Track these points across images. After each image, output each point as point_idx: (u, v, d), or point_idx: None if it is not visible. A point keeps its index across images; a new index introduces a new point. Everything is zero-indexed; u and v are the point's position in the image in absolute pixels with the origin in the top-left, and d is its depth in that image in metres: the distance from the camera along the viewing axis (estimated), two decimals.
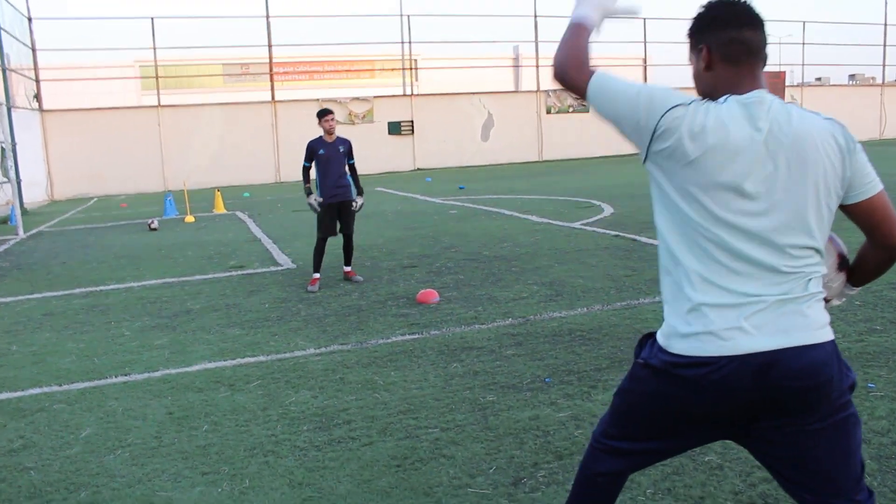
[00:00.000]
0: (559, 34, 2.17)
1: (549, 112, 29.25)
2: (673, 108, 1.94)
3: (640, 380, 2.18)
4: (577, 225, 11.36)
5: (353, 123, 26.15)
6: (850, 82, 55.12)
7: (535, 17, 29.42)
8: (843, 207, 2.04)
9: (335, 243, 7.98)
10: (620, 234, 10.25)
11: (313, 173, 7.80)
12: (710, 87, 2.04)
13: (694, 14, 2.08)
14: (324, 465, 3.59)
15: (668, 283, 2.09)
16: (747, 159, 1.91)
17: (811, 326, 1.96)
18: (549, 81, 29.32)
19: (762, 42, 2.02)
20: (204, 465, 3.64)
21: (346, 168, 7.78)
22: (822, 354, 1.96)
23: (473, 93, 28.62)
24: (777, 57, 43.98)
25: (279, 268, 8.99)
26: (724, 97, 1.98)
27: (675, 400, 2.08)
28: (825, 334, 1.98)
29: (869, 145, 32.86)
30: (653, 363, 2.10)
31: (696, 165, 1.93)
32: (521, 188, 18.27)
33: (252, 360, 5.33)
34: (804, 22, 35.78)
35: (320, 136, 7.73)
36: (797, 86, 36.13)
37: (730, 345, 1.94)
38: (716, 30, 2.02)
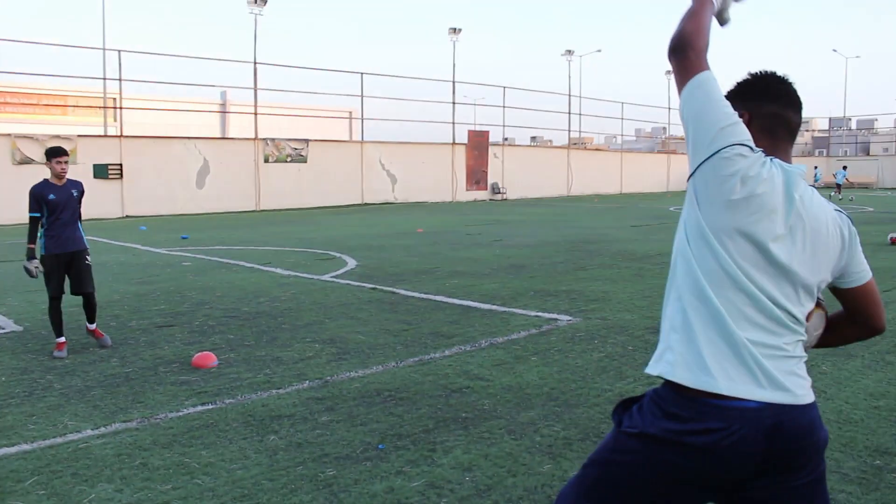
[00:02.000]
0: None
1: (266, 161, 28.68)
2: (745, 144, 1.94)
3: (629, 451, 2.08)
4: (327, 278, 11.13)
5: None
6: (533, 143, 61.57)
7: (255, 63, 28.89)
8: (835, 291, 2.17)
9: (72, 301, 6.94)
10: (377, 286, 10.22)
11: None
12: None
13: (742, 79, 2.14)
14: None
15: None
16: (780, 223, 1.94)
17: (806, 386, 2.02)
18: (266, 129, 28.88)
19: (799, 124, 2.12)
20: None
21: (79, 216, 6.87)
22: (817, 412, 2.03)
23: (189, 137, 27.17)
24: (482, 118, 47.87)
25: (1, 331, 7.60)
26: (769, 158, 2.00)
27: (678, 469, 2.01)
28: (812, 394, 2.05)
29: (559, 201, 36.81)
30: (651, 432, 2.02)
31: (735, 208, 1.92)
32: (250, 239, 17.58)
33: (13, 450, 4.36)
34: (504, 87, 39.42)
35: (46, 180, 6.75)
36: (499, 144, 39.46)
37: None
38: (762, 101, 2.09)
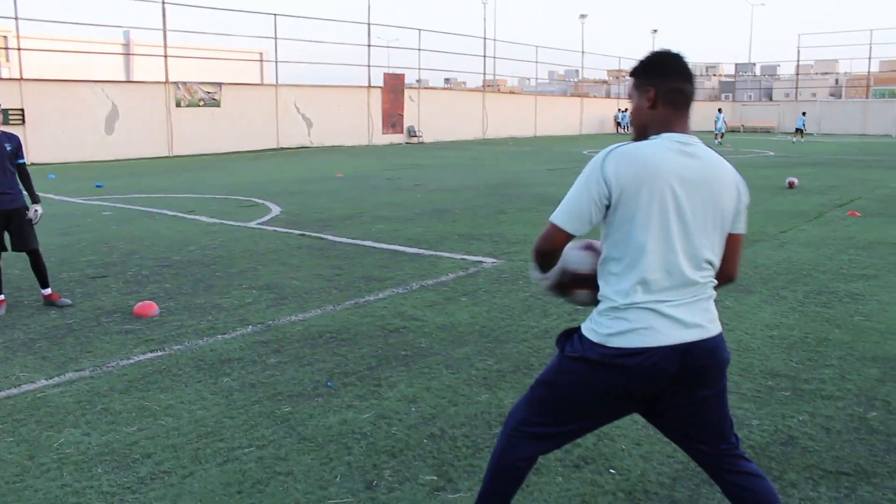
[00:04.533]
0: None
1: (178, 105, 27.90)
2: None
3: (572, 372, 2.49)
4: (253, 225, 11.24)
5: None
6: (447, 86, 61.46)
7: (164, 2, 27.79)
8: None
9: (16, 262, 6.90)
10: (305, 233, 10.41)
11: None
12: (648, 122, 2.47)
13: (644, 58, 2.50)
14: None
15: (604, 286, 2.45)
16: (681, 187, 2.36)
17: (714, 319, 2.47)
18: (175, 73, 28.02)
19: (693, 93, 2.50)
20: None
21: (14, 170, 6.68)
22: (721, 339, 2.48)
23: (96, 81, 26.11)
24: (397, 61, 47.32)
25: None
26: (660, 135, 2.40)
27: (611, 386, 2.44)
28: (719, 325, 2.50)
29: (475, 144, 37.14)
30: (589, 356, 2.43)
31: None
32: (167, 186, 17.31)
33: None
34: (420, 30, 39.16)
35: None
36: (414, 87, 39.34)
37: (663, 336, 2.36)
38: (664, 77, 2.45)
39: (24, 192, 6.69)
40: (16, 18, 24.62)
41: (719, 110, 41.43)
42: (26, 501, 3.34)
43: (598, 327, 2.42)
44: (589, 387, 2.46)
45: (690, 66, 2.52)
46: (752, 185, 16.21)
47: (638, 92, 2.50)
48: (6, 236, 6.63)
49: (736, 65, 76.95)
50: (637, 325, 2.36)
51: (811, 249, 9.11)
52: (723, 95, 76.96)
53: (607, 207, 2.36)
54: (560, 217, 2.39)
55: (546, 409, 2.57)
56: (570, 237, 2.41)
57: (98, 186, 17.14)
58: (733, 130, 45.96)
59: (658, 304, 2.37)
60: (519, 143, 38.91)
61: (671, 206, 2.34)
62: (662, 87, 2.45)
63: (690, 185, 2.36)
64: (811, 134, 43.76)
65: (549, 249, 2.42)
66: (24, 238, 6.62)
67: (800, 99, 60.23)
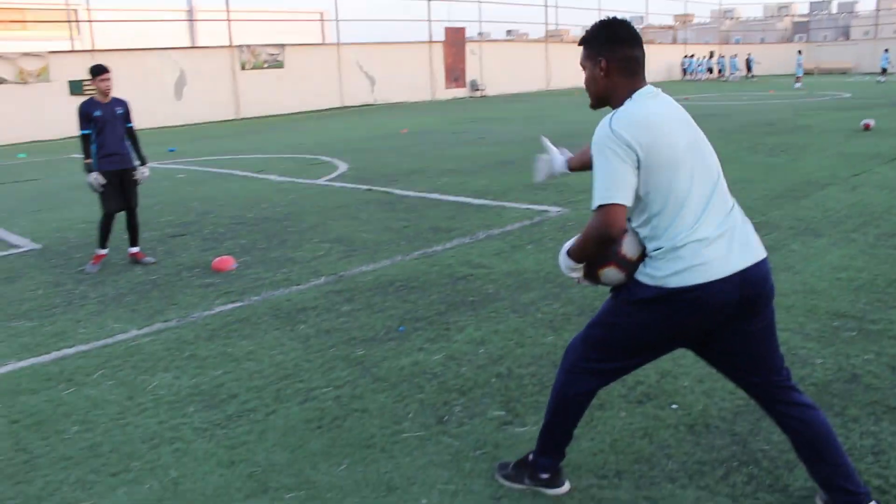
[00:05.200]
0: None
1: (243, 68, 28.39)
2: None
3: (630, 314, 2.60)
4: (322, 182, 11.50)
5: (26, 83, 23.09)
6: (509, 37, 60.64)
7: None
8: None
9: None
10: (372, 187, 10.62)
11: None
12: (607, 90, 2.61)
13: (592, 29, 2.62)
14: (241, 441, 3.53)
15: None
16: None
17: (758, 241, 2.59)
18: (238, 36, 28.42)
19: (644, 57, 2.60)
20: (106, 467, 3.37)
21: (125, 133, 7.09)
22: (769, 265, 2.56)
23: (163, 48, 26.76)
24: (457, 14, 46.76)
25: (19, 250, 7.98)
26: (633, 96, 2.54)
27: (671, 323, 2.54)
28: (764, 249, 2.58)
29: (539, 96, 36.70)
30: (647, 296, 2.52)
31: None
32: (237, 147, 17.76)
33: (72, 350, 4.86)
34: None
35: (92, 98, 6.95)
36: (476, 41, 38.99)
37: (719, 267, 2.44)
38: (614, 47, 2.55)
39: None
40: None
41: (799, 52, 39.82)
42: (129, 436, 3.64)
43: (654, 271, 2.50)
44: (647, 326, 2.57)
45: (636, 30, 2.60)
46: (825, 128, 15.79)
47: (591, 63, 2.61)
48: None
49: (811, 2, 73.53)
50: (693, 262, 2.43)
51: (885, 192, 8.85)
52: (796, 37, 73.76)
53: (637, 170, 2.45)
54: (615, 195, 2.40)
55: (603, 348, 2.69)
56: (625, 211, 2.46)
57: (170, 151, 17.71)
58: (807, 73, 44.16)
59: (707, 238, 2.44)
60: (584, 93, 38.20)
61: (684, 148, 2.47)
62: (613, 56, 2.55)
63: (684, 126, 2.53)
64: (892, 74, 41.72)
65: (617, 231, 2.43)
66: (128, 197, 7.05)
67: (880, 37, 57.36)
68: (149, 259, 7.08)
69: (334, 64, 31.71)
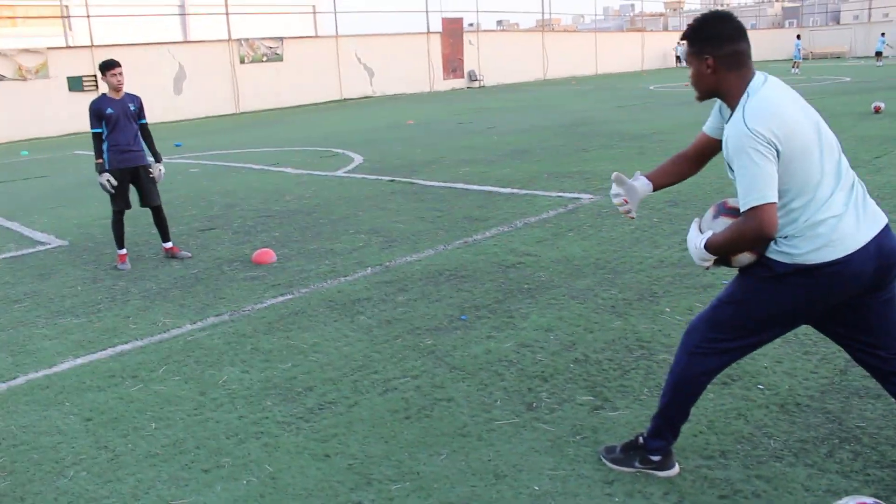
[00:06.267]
0: None
1: (242, 62, 28.18)
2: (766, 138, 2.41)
3: (763, 291, 2.56)
4: (341, 174, 11.41)
5: (25, 79, 22.84)
6: (499, 27, 60.46)
7: None
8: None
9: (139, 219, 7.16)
10: (394, 178, 10.53)
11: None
12: (715, 87, 2.56)
13: (694, 25, 2.54)
14: (330, 433, 3.46)
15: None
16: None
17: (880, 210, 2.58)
18: (234, 30, 28.19)
19: (750, 47, 2.53)
20: (197, 463, 3.29)
21: (138, 129, 6.93)
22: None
23: (162, 43, 26.52)
24: (450, 4, 46.65)
25: (47, 246, 7.86)
26: (748, 88, 2.49)
27: (806, 298, 2.50)
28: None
29: (536, 85, 36.60)
30: (783, 272, 2.49)
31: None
32: (243, 141, 17.62)
33: (129, 346, 4.77)
34: None
35: (104, 94, 6.80)
36: (472, 31, 38.85)
37: (855, 239, 2.41)
38: (718, 44, 2.49)
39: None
40: None
41: (798, 37, 39.79)
42: (211, 431, 3.56)
43: (792, 249, 2.48)
44: (782, 302, 2.55)
45: (739, 21, 2.54)
46: (834, 112, 15.74)
47: (696, 60, 2.55)
48: (132, 193, 6.91)
49: None
50: (832, 236, 2.43)
51: None
52: (786, 22, 73.81)
53: (777, 163, 2.43)
54: (767, 194, 2.38)
55: (733, 326, 2.66)
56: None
57: (177, 146, 17.55)
58: (804, 58, 44.21)
59: (840, 214, 2.44)
60: (581, 81, 38.21)
61: (812, 131, 2.46)
62: (719, 53, 2.49)
63: (804, 108, 2.50)
64: (887, 57, 41.78)
65: (774, 231, 2.41)
66: (149, 194, 6.89)
67: (872, 21, 57.45)
68: (185, 253, 6.98)
69: (332, 56, 31.53)
